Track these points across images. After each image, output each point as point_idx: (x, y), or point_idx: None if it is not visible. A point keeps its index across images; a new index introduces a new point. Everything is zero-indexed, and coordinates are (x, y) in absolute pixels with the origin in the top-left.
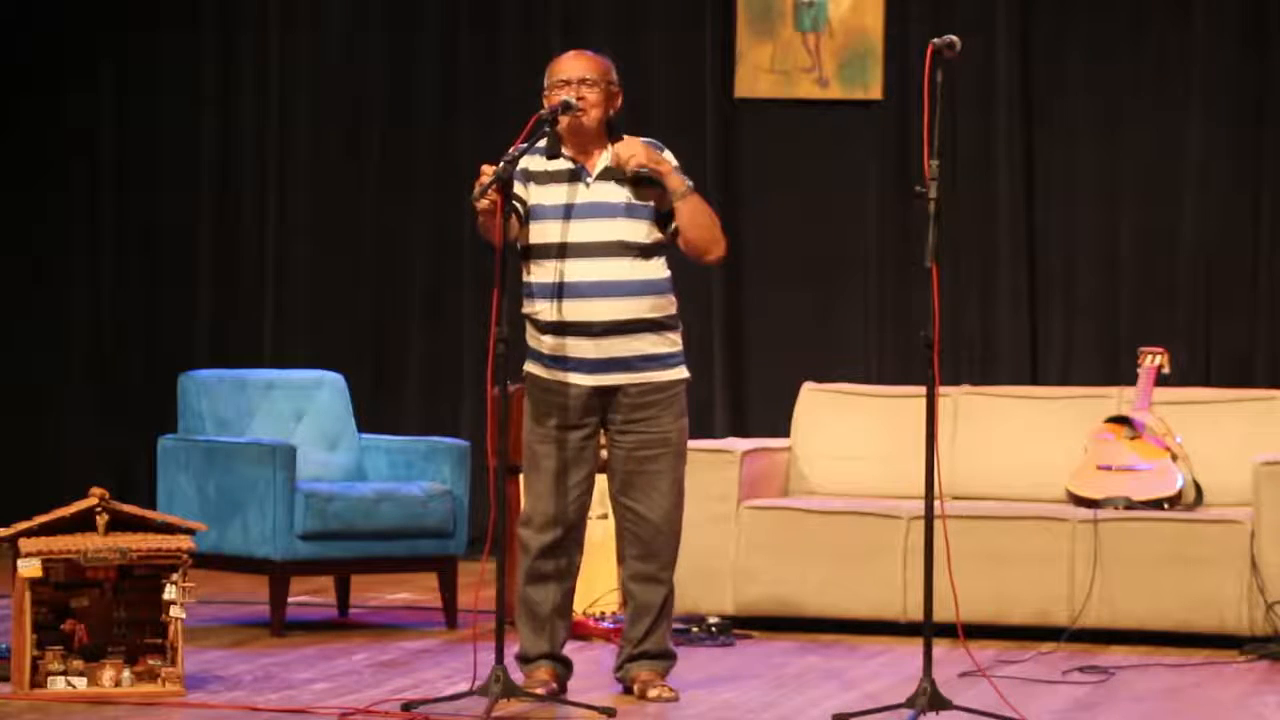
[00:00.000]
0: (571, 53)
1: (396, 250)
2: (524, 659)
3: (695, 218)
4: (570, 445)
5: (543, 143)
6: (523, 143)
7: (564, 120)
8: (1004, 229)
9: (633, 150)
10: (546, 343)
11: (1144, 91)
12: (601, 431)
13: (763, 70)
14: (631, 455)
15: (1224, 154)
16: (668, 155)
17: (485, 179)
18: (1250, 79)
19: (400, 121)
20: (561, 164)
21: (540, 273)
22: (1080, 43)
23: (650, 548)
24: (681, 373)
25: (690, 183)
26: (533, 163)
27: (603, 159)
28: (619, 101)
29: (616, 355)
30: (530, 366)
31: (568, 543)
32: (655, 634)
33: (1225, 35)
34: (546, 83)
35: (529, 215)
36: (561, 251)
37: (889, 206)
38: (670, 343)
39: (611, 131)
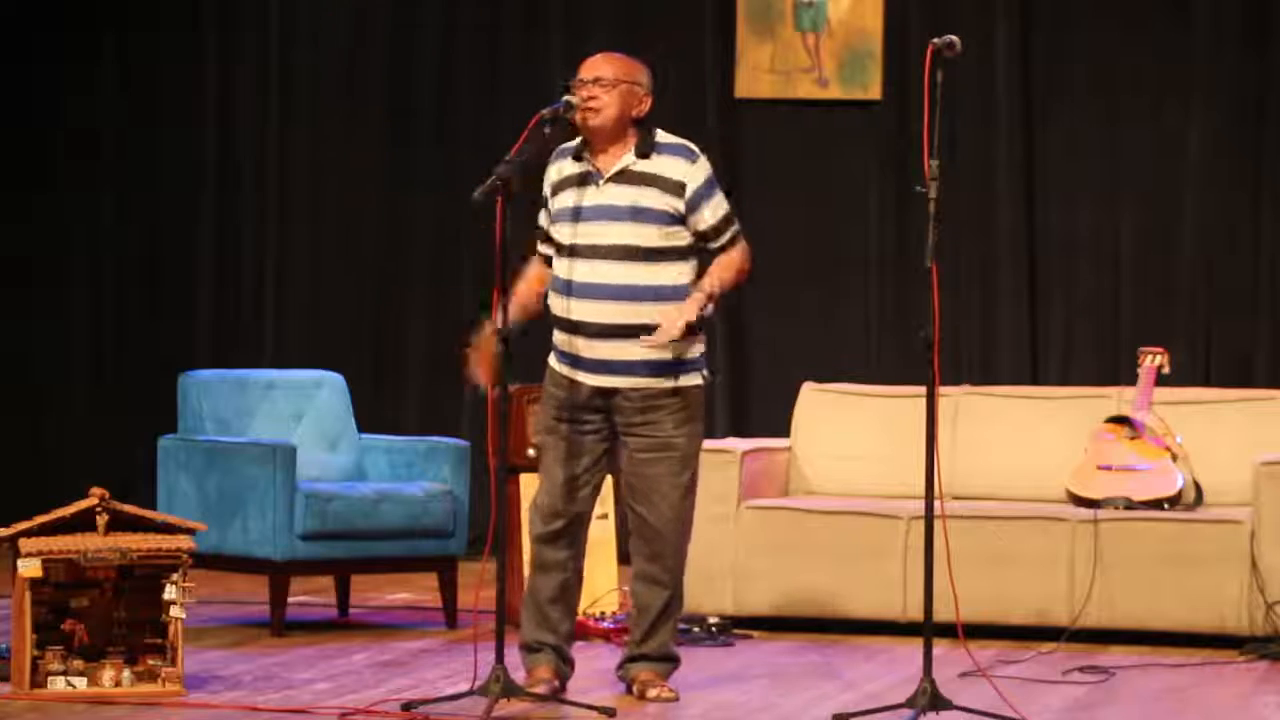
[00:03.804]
0: (599, 53)
1: (397, 250)
2: (524, 647)
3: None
4: (571, 439)
5: (574, 143)
6: (524, 143)
7: (574, 118)
8: (1004, 229)
9: (669, 333)
10: (557, 337)
11: (1144, 91)
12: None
13: (763, 70)
14: (633, 458)
15: (1224, 154)
16: (699, 167)
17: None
18: (1250, 79)
19: (400, 121)
20: (582, 166)
21: (556, 268)
22: (1080, 43)
23: (654, 550)
24: (691, 380)
25: (714, 291)
26: (558, 170)
27: (621, 160)
28: (646, 105)
29: (614, 358)
30: (550, 357)
31: (567, 533)
32: (656, 636)
33: (1225, 35)
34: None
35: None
36: (571, 251)
37: (889, 206)
38: (678, 349)
39: (641, 131)
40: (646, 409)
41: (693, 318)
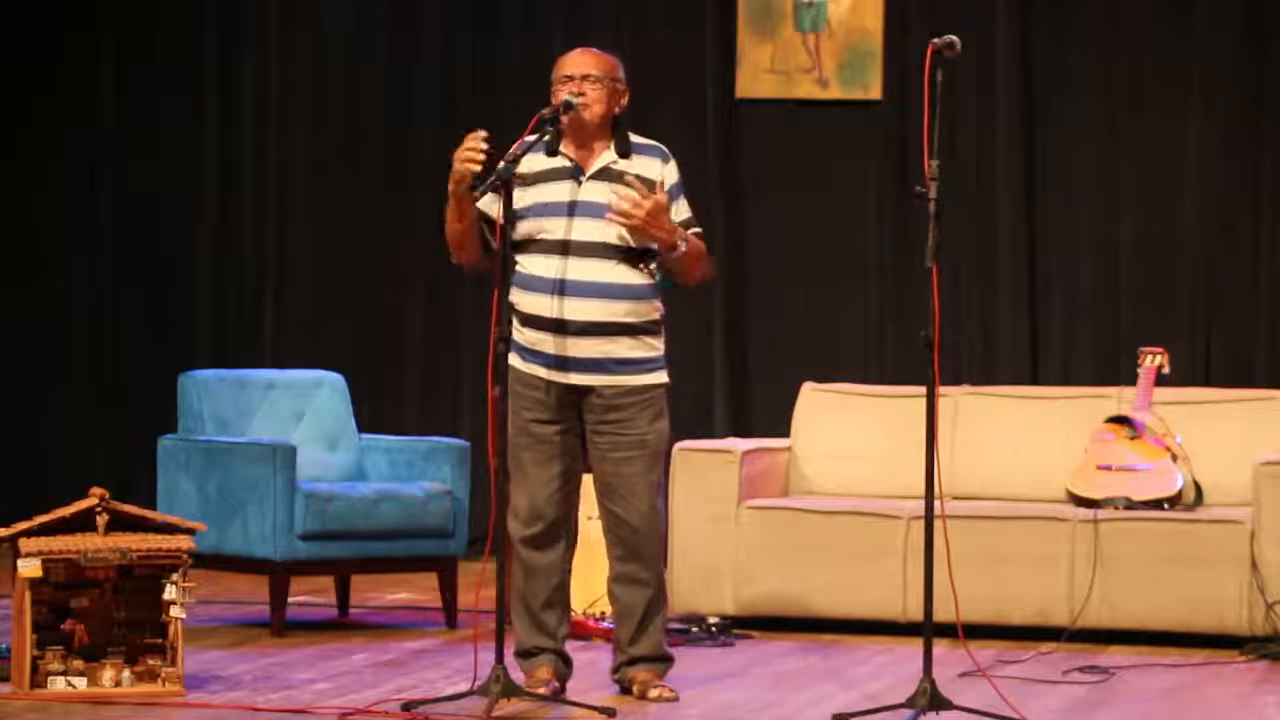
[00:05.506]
0: (578, 50)
1: (396, 250)
2: (520, 653)
3: (679, 267)
4: (546, 439)
5: (542, 139)
6: (523, 143)
7: (565, 117)
8: (1004, 229)
9: (631, 209)
10: (525, 334)
11: (1144, 91)
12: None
13: (763, 70)
14: (606, 457)
15: (1224, 154)
16: (671, 168)
17: (470, 151)
18: (1250, 79)
19: (400, 121)
20: (559, 161)
21: (526, 265)
22: (1080, 43)
23: (631, 549)
24: (659, 377)
25: (681, 240)
26: (529, 163)
27: (602, 158)
28: (624, 100)
29: (589, 355)
30: (511, 358)
31: (553, 536)
32: (646, 637)
33: (1225, 35)
34: (552, 79)
35: (516, 217)
36: (547, 248)
37: (889, 206)
38: (648, 347)
39: (617, 129)
40: (619, 406)
41: (655, 217)
